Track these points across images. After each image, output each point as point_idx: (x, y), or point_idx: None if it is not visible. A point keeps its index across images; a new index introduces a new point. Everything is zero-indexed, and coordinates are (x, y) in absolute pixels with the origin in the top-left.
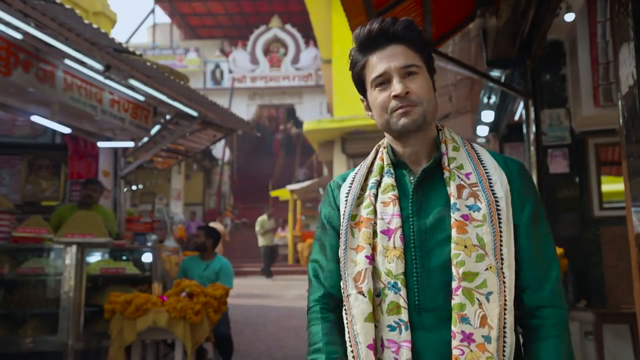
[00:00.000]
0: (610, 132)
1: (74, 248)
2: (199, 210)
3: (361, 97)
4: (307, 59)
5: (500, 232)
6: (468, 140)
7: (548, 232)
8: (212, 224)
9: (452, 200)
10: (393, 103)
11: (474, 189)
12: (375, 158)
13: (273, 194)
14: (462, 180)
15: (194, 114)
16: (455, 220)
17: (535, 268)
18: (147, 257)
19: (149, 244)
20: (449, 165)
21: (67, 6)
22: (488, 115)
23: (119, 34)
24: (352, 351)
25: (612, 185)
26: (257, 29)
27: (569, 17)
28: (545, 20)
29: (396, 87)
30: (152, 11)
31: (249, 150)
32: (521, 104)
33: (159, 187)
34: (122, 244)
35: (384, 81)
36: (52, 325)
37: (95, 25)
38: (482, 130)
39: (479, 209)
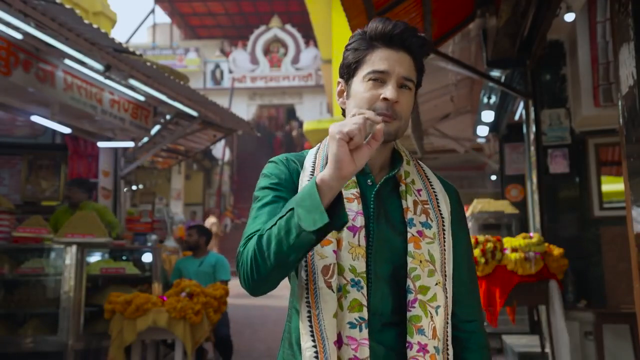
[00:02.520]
0: (610, 132)
1: (74, 248)
2: (199, 210)
3: (340, 79)
4: (307, 59)
5: (445, 250)
6: (415, 157)
7: (473, 254)
8: (202, 223)
9: (409, 215)
10: (379, 105)
11: (425, 206)
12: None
13: None
14: (415, 196)
15: (194, 114)
16: (412, 235)
17: (468, 285)
18: (147, 257)
19: (149, 244)
20: (405, 179)
21: (67, 6)
22: (488, 115)
23: (119, 34)
24: (315, 346)
25: (612, 185)
26: (257, 29)
27: (569, 17)
28: (545, 20)
29: (391, 91)
30: (152, 11)
31: (249, 150)
32: (521, 104)
33: (159, 187)
34: (122, 244)
35: (380, 79)
36: (52, 325)
37: (95, 25)
38: (482, 130)
39: (430, 227)
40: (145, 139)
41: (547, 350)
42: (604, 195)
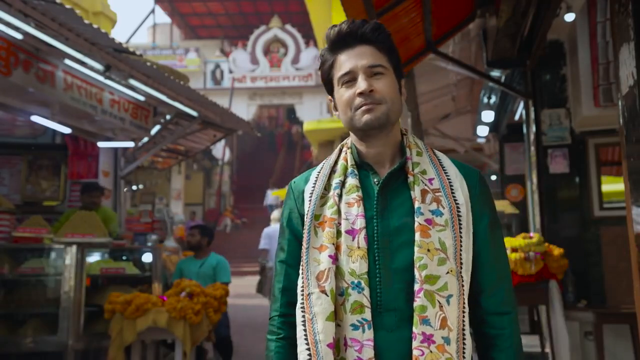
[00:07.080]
0: (610, 132)
1: (74, 248)
2: (199, 210)
3: (329, 96)
4: (307, 59)
5: (461, 237)
6: (430, 147)
7: (503, 241)
8: (202, 223)
9: (417, 205)
10: (357, 100)
11: (436, 194)
12: (338, 158)
13: (273, 194)
14: (425, 185)
15: (194, 114)
16: (419, 224)
17: (492, 273)
18: (147, 257)
19: (149, 244)
20: (413, 170)
21: (67, 6)
22: (488, 115)
23: (119, 34)
24: (308, 349)
25: (612, 185)
26: (257, 29)
27: (569, 17)
28: (545, 20)
29: (361, 84)
30: (152, 11)
31: (249, 150)
32: (521, 104)
33: (159, 187)
34: (122, 244)
35: (350, 79)
36: (52, 325)
37: (95, 25)
38: (482, 130)
39: (441, 214)
40: (145, 139)
41: (547, 350)
42: (604, 195)
